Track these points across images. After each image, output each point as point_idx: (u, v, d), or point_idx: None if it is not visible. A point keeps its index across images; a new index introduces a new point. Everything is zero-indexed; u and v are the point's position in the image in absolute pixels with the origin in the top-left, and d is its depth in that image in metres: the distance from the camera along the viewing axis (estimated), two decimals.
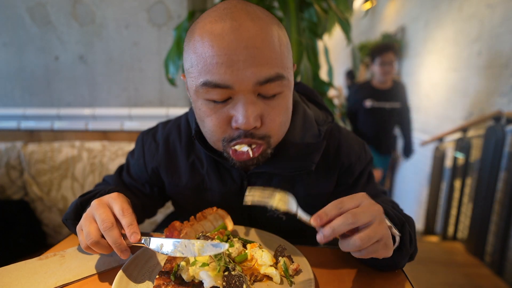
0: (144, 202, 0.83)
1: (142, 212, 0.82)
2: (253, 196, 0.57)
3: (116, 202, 0.58)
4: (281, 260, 0.59)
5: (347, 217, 0.48)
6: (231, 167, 0.74)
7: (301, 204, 0.77)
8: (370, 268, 0.64)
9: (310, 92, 0.82)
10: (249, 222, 0.81)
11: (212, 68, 0.55)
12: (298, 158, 0.70)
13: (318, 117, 0.76)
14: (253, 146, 0.62)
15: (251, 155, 0.62)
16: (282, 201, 0.55)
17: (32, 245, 1.55)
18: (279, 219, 0.79)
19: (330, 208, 0.50)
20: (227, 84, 0.55)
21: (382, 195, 0.79)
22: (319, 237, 0.49)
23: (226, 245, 0.51)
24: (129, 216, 0.56)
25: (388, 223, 0.55)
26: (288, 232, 0.76)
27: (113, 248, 0.55)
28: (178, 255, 0.52)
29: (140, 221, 0.83)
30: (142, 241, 0.55)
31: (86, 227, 0.56)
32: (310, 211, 0.78)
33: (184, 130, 0.81)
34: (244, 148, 0.61)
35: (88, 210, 0.59)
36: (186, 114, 0.85)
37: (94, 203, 0.58)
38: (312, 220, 0.50)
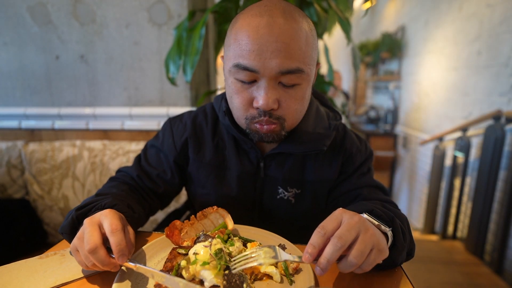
0: (165, 188, 0.89)
1: (146, 215, 0.84)
2: (239, 264, 0.54)
3: (106, 219, 0.58)
4: None
5: (335, 242, 0.49)
6: (249, 149, 0.83)
7: (309, 190, 0.85)
8: None
9: (321, 97, 0.95)
10: (260, 205, 0.87)
11: (245, 53, 0.65)
12: (311, 141, 0.79)
13: (328, 114, 0.88)
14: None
15: (268, 130, 0.71)
16: (267, 254, 0.53)
17: (32, 243, 1.56)
18: (288, 202, 0.85)
19: (315, 239, 0.50)
20: (254, 68, 0.65)
21: (376, 190, 0.83)
22: (318, 271, 0.49)
23: None
24: (117, 235, 0.56)
25: (376, 222, 0.56)
26: (297, 215, 0.85)
27: (102, 268, 0.56)
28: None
29: (153, 213, 0.89)
30: (132, 264, 0.55)
31: (81, 249, 0.56)
32: (317, 198, 0.86)
33: (210, 114, 0.90)
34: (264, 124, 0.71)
35: (81, 230, 0.59)
36: (210, 103, 0.93)
37: (85, 222, 0.59)
38: (304, 259, 0.50)
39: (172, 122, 0.92)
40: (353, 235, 0.50)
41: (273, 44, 0.63)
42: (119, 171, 0.91)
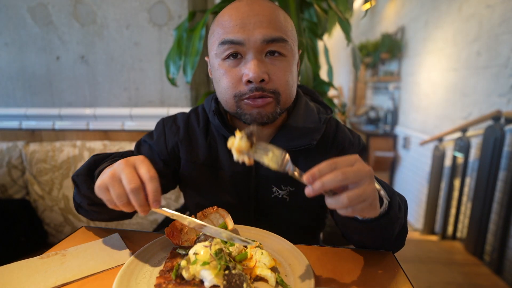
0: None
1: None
2: (242, 145, 0.56)
3: (143, 165, 0.59)
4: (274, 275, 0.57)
5: (337, 175, 0.50)
6: None
7: (303, 186, 0.83)
8: (370, 266, 0.64)
9: (312, 93, 0.94)
10: (255, 205, 0.86)
11: (229, 30, 0.69)
12: (301, 137, 0.80)
13: (319, 109, 0.87)
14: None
15: (263, 104, 0.71)
16: (275, 158, 0.55)
17: (33, 244, 1.56)
18: (283, 200, 0.84)
19: (323, 167, 0.51)
20: (239, 40, 0.68)
21: None
22: (308, 190, 0.51)
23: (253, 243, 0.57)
24: (155, 182, 0.57)
25: (378, 186, 0.58)
26: (293, 213, 0.84)
27: (136, 209, 0.58)
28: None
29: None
30: (167, 210, 0.59)
31: (115, 188, 0.56)
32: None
33: (201, 115, 0.90)
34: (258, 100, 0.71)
35: (114, 170, 0.58)
36: (202, 105, 0.94)
37: (121, 163, 0.58)
38: (305, 178, 0.51)
39: (165, 122, 0.92)
40: (357, 178, 0.51)
41: (254, 17, 0.68)
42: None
